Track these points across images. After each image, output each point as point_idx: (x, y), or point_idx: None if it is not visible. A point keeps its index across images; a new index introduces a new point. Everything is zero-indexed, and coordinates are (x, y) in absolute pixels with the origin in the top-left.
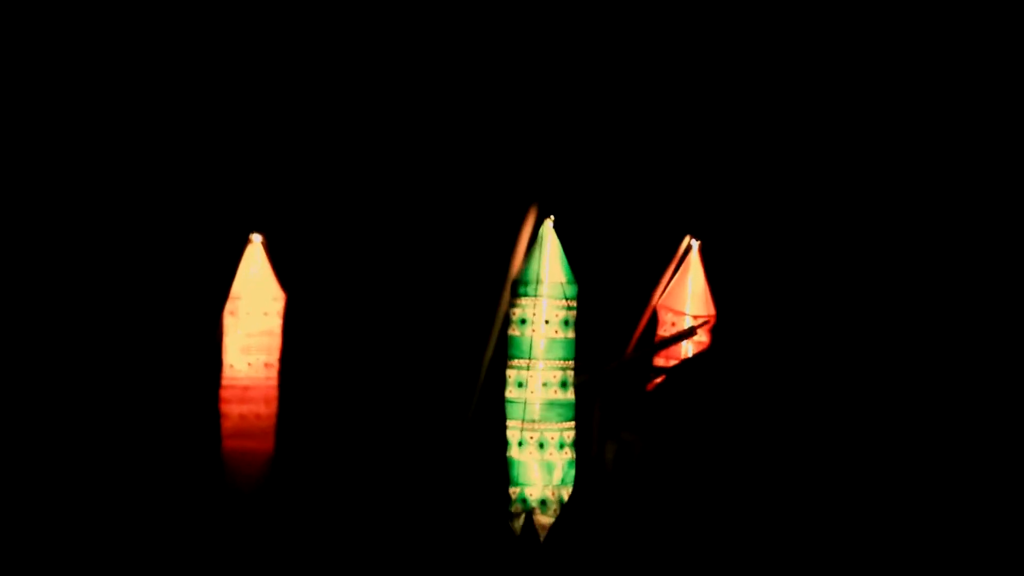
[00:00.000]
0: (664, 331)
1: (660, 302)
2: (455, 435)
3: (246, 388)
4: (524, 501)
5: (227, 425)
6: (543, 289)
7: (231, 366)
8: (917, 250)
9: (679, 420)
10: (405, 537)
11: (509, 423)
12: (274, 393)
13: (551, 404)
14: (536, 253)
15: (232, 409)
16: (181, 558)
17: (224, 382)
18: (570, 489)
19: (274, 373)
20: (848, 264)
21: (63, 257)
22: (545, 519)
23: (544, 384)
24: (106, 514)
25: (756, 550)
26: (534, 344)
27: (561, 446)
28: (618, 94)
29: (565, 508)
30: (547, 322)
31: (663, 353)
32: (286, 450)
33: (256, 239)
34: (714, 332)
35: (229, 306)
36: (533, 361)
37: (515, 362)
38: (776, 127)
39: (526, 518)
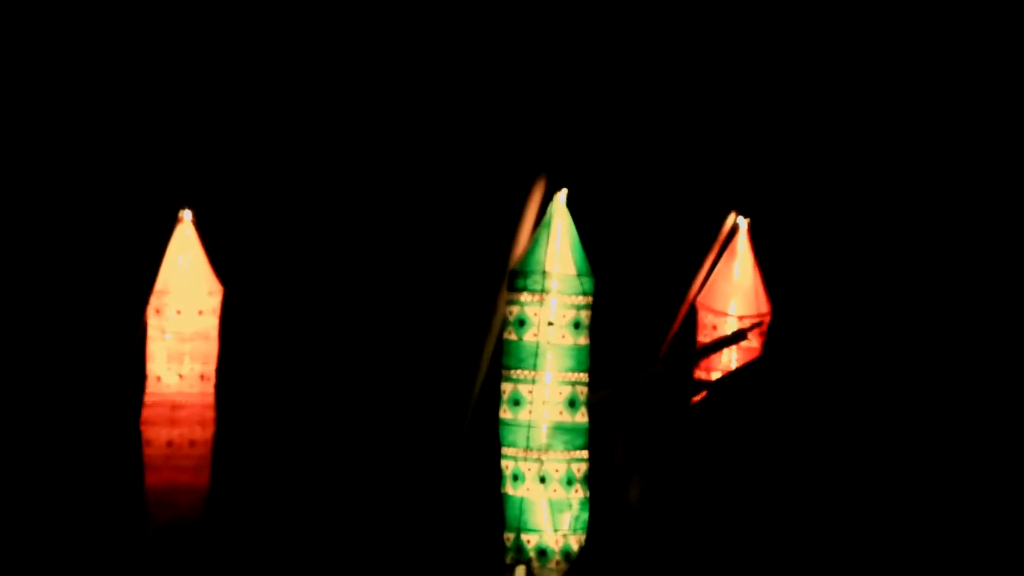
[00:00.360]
0: (704, 336)
1: (699, 299)
2: (441, 465)
3: (176, 406)
4: (519, 550)
5: (152, 454)
6: (550, 283)
7: (157, 378)
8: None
9: (723, 448)
10: None
11: (504, 451)
12: (211, 413)
13: (557, 428)
14: (542, 236)
15: (158, 433)
16: None
17: (148, 399)
18: (582, 537)
19: (211, 387)
20: (932, 252)
21: None
22: (546, 574)
23: (548, 402)
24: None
25: None
26: (536, 351)
27: (569, 482)
28: (643, 41)
29: (574, 564)
30: (551, 324)
31: (703, 363)
32: (224, 486)
33: (186, 216)
34: (767, 336)
35: (154, 302)
36: (536, 372)
37: (512, 373)
38: (839, 77)
39: (525, 572)
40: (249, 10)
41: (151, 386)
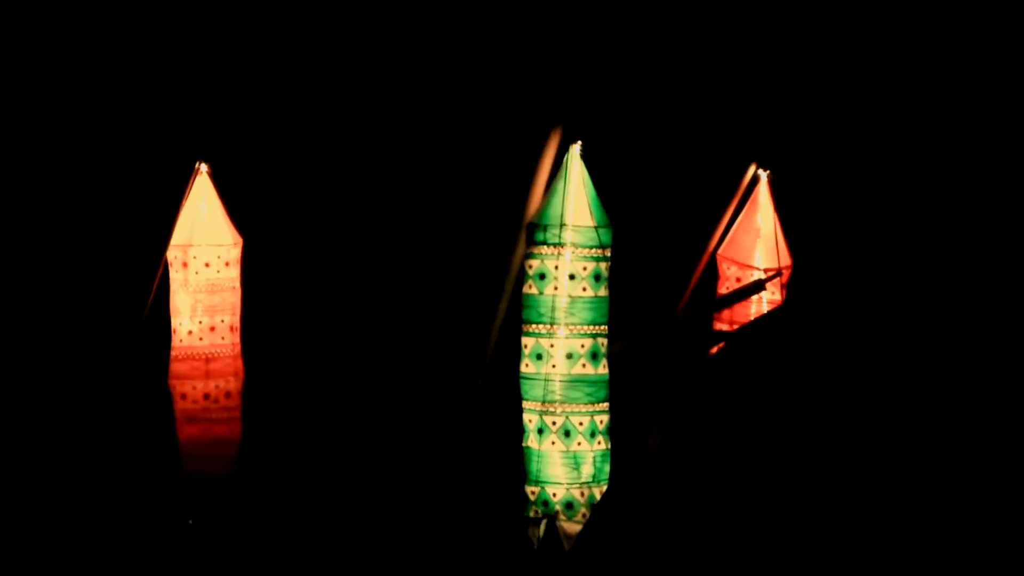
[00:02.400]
0: (726, 288)
1: (720, 252)
2: (459, 421)
3: (210, 359)
4: (546, 503)
5: (187, 408)
6: (567, 235)
7: (189, 332)
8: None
9: (743, 400)
10: (399, 548)
11: (525, 405)
12: (241, 364)
13: (578, 381)
14: (559, 188)
15: (194, 387)
16: (139, 562)
17: (179, 353)
18: (604, 488)
19: (238, 339)
20: (956, 204)
21: None
22: (572, 526)
23: (569, 356)
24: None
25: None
26: (556, 305)
27: (592, 434)
28: None
29: (596, 512)
30: (572, 277)
31: (723, 314)
32: (257, 437)
33: (203, 169)
34: (788, 287)
35: (179, 256)
36: (555, 327)
37: (531, 327)
38: (863, 22)
39: (547, 525)
40: None
41: (182, 340)
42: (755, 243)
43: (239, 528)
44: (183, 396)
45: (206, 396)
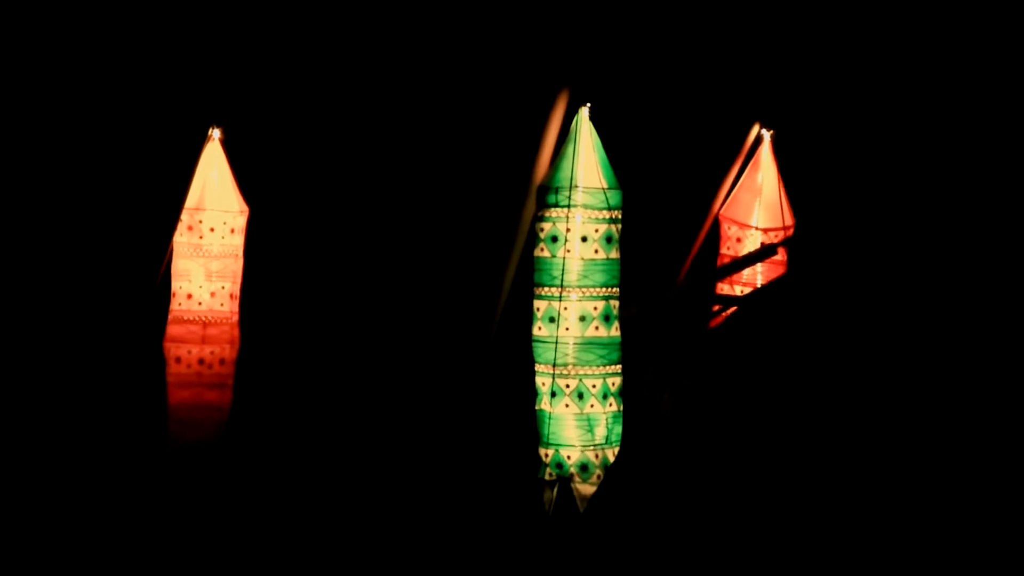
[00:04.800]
0: (728, 248)
1: (722, 211)
2: (471, 384)
3: (207, 324)
4: (560, 466)
5: (181, 371)
6: (578, 197)
7: (188, 295)
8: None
9: (751, 365)
10: (403, 518)
11: (538, 368)
12: (238, 332)
13: (591, 344)
14: (568, 151)
15: (189, 351)
16: (126, 528)
17: (178, 315)
18: (616, 450)
19: (237, 307)
20: (960, 169)
21: None
22: (587, 488)
23: (582, 318)
24: (38, 483)
25: (840, 530)
26: (567, 267)
27: (605, 396)
28: None
29: (610, 474)
30: (585, 239)
31: (729, 279)
32: (248, 405)
33: (215, 135)
34: (790, 250)
35: (186, 219)
36: (567, 289)
37: (544, 291)
38: None
39: (561, 487)
40: None
41: (181, 303)
42: (755, 202)
43: (221, 495)
44: (177, 360)
45: (200, 361)
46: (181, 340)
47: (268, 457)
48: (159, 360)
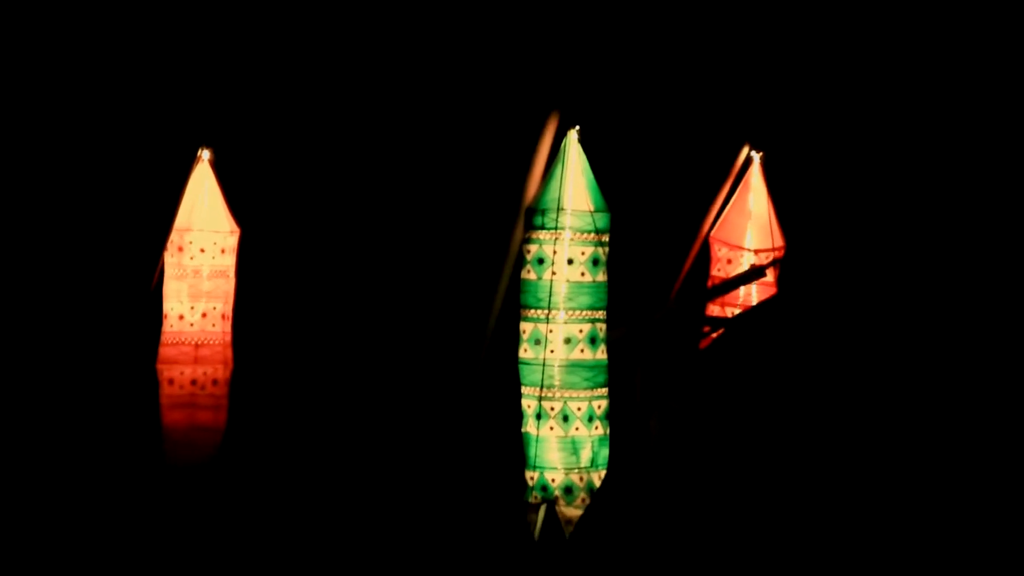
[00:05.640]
0: (718, 270)
1: (712, 233)
2: (458, 407)
3: (199, 345)
4: (545, 489)
5: (174, 393)
6: (566, 219)
7: (180, 317)
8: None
9: (741, 386)
10: (395, 536)
11: (524, 390)
12: (231, 353)
13: (577, 366)
14: (557, 173)
15: (182, 372)
16: (122, 549)
17: (169, 338)
18: (603, 473)
19: (229, 327)
20: (949, 187)
21: None
22: (572, 511)
23: (567, 340)
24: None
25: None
26: (554, 290)
27: (590, 419)
28: None
29: (596, 497)
30: (571, 261)
31: (719, 300)
32: (242, 426)
33: (205, 156)
34: (781, 271)
35: (175, 240)
36: (553, 311)
37: (531, 313)
38: (855, 7)
39: (547, 510)
40: None
41: (173, 325)
42: (746, 224)
43: (216, 515)
44: (170, 381)
45: (193, 382)
46: (173, 361)
47: (263, 477)
48: (152, 382)
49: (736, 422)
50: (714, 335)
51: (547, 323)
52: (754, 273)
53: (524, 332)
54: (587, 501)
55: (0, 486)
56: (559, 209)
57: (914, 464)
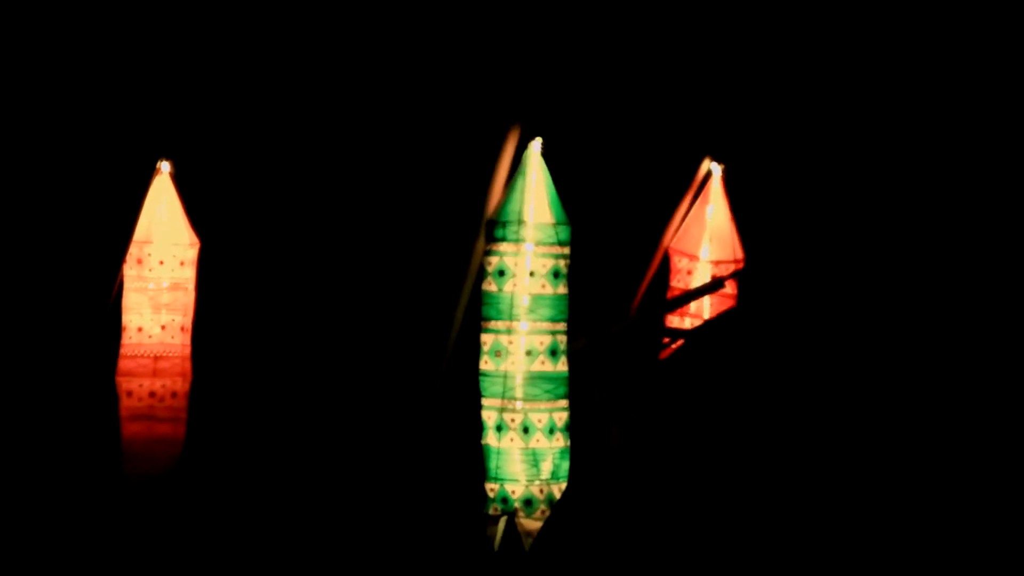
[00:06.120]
0: (678, 281)
1: (672, 244)
2: (418, 418)
3: (158, 358)
4: (505, 501)
5: (132, 405)
6: (527, 232)
7: (139, 329)
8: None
9: (700, 397)
10: (349, 546)
11: (484, 402)
12: (190, 365)
13: (538, 378)
14: (518, 185)
15: (140, 384)
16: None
17: (128, 350)
18: (563, 485)
19: (188, 339)
20: (912, 193)
21: None
22: (531, 523)
23: (528, 352)
24: None
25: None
26: (515, 301)
27: (551, 431)
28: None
29: (556, 510)
30: (532, 274)
31: (678, 311)
32: (200, 437)
33: (165, 168)
34: (741, 282)
35: (135, 252)
36: (514, 323)
37: (492, 324)
38: (811, 19)
39: (507, 522)
40: None
41: (132, 337)
42: (703, 235)
43: (174, 527)
44: (129, 393)
45: (152, 394)
46: (132, 374)
47: (222, 490)
48: (112, 394)
49: (696, 433)
50: (674, 346)
51: (508, 335)
52: (714, 285)
53: (485, 344)
54: (547, 513)
55: None
56: (520, 221)
57: (873, 475)
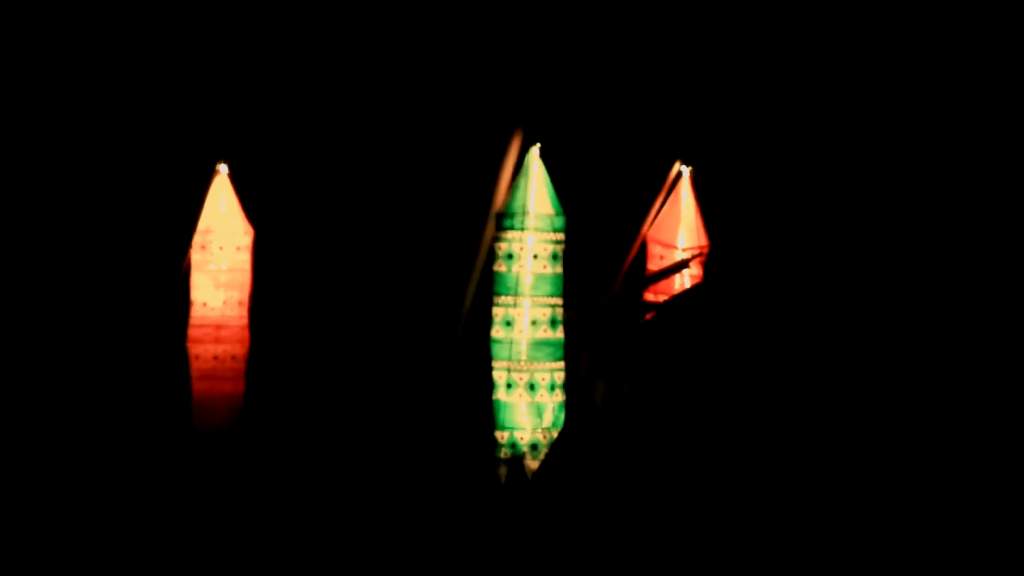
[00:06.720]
0: (653, 264)
1: (650, 233)
2: (435, 378)
3: (219, 327)
4: (514, 446)
5: (199, 367)
6: (529, 221)
7: (203, 304)
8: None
9: (670, 359)
10: (383, 487)
11: (495, 364)
12: (247, 333)
13: (540, 343)
14: (522, 183)
15: (205, 349)
16: (152, 504)
17: (195, 321)
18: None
19: (246, 312)
20: (847, 189)
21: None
22: (536, 464)
23: (533, 322)
24: (71, 462)
25: (743, 490)
26: (520, 280)
27: (552, 388)
28: (605, 13)
29: (551, 451)
30: (535, 256)
31: (653, 288)
32: (257, 393)
33: (223, 169)
34: (707, 264)
35: (199, 240)
36: (520, 298)
37: (501, 299)
38: (768, 41)
39: (514, 463)
40: None
41: (198, 311)
42: (677, 227)
43: (238, 472)
44: (196, 357)
45: (215, 357)
46: (199, 341)
47: (276, 438)
48: (182, 358)
49: (667, 387)
50: (648, 316)
51: (515, 308)
52: (681, 265)
53: (496, 316)
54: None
55: (55, 444)
56: (524, 213)
57: (837, 423)
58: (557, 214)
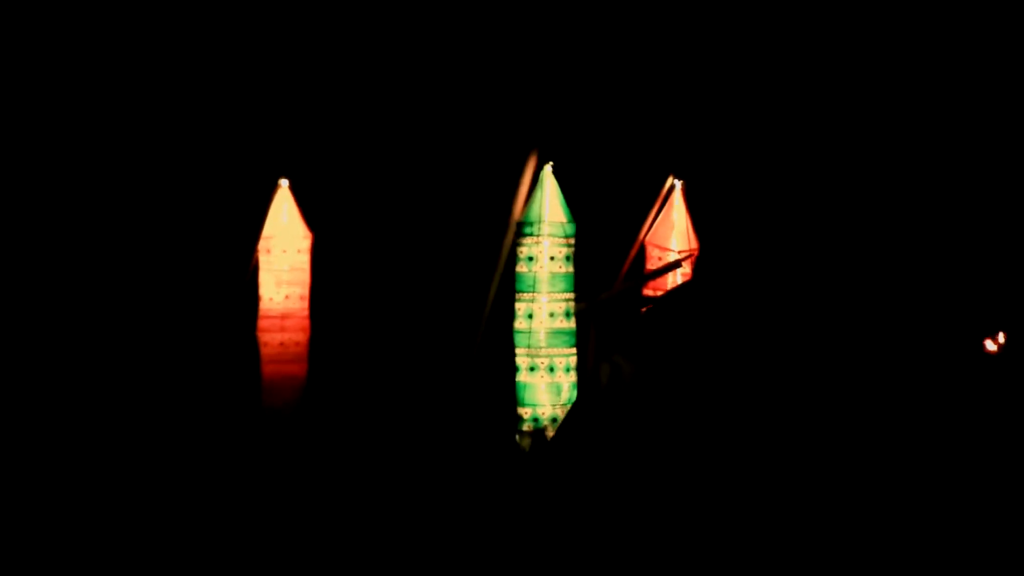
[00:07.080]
0: (652, 265)
1: (647, 238)
2: (464, 362)
3: (284, 317)
4: (536, 420)
5: (267, 352)
6: (546, 228)
7: (270, 299)
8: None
9: (665, 344)
10: (423, 455)
11: (518, 351)
12: (308, 323)
13: (557, 332)
14: (537, 196)
15: (272, 337)
16: (225, 475)
17: (263, 313)
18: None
19: (306, 305)
20: (823, 199)
21: (115, 206)
22: (552, 432)
23: (550, 315)
24: (156, 435)
25: (734, 463)
26: (539, 279)
27: (567, 369)
28: (611, 52)
29: (564, 423)
30: (552, 258)
31: (651, 284)
32: (318, 373)
33: (284, 184)
34: (697, 265)
35: (264, 245)
36: (538, 295)
37: (523, 296)
38: (750, 74)
39: (536, 435)
40: None
41: (265, 304)
42: (671, 232)
43: (303, 444)
44: (265, 344)
45: (281, 344)
46: (266, 330)
47: (336, 412)
48: (253, 345)
49: (663, 370)
50: (646, 308)
51: (535, 303)
52: (673, 265)
53: (519, 310)
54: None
55: (139, 419)
56: (541, 221)
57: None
58: (568, 222)
